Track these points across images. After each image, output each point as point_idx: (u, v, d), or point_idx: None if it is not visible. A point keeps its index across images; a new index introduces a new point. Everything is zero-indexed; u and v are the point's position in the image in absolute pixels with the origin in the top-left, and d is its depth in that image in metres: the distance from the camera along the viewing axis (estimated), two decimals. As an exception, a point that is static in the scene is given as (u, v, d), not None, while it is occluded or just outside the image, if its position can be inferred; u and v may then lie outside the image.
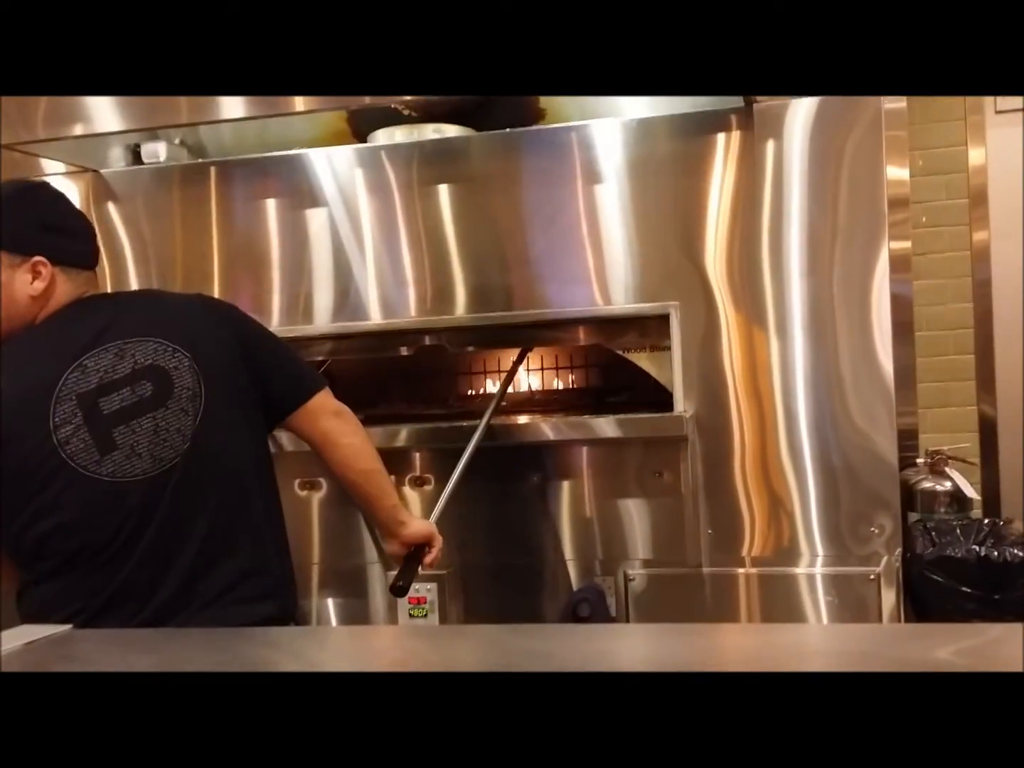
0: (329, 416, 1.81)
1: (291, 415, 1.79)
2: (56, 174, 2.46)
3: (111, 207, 2.45)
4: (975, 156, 3.10)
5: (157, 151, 2.44)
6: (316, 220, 2.36)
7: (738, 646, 0.93)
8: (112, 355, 1.64)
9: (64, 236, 1.73)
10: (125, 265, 2.44)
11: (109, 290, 2.28)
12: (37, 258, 1.67)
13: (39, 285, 1.68)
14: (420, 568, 1.87)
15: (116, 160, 2.51)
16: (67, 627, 1.01)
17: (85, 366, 1.63)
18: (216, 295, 2.35)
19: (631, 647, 0.93)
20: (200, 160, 2.48)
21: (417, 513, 2.20)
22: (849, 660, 0.80)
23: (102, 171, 2.47)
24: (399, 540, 1.88)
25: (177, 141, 2.48)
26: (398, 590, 1.83)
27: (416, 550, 1.89)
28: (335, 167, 2.35)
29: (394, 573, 1.87)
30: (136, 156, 2.49)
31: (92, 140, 2.31)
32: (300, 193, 2.36)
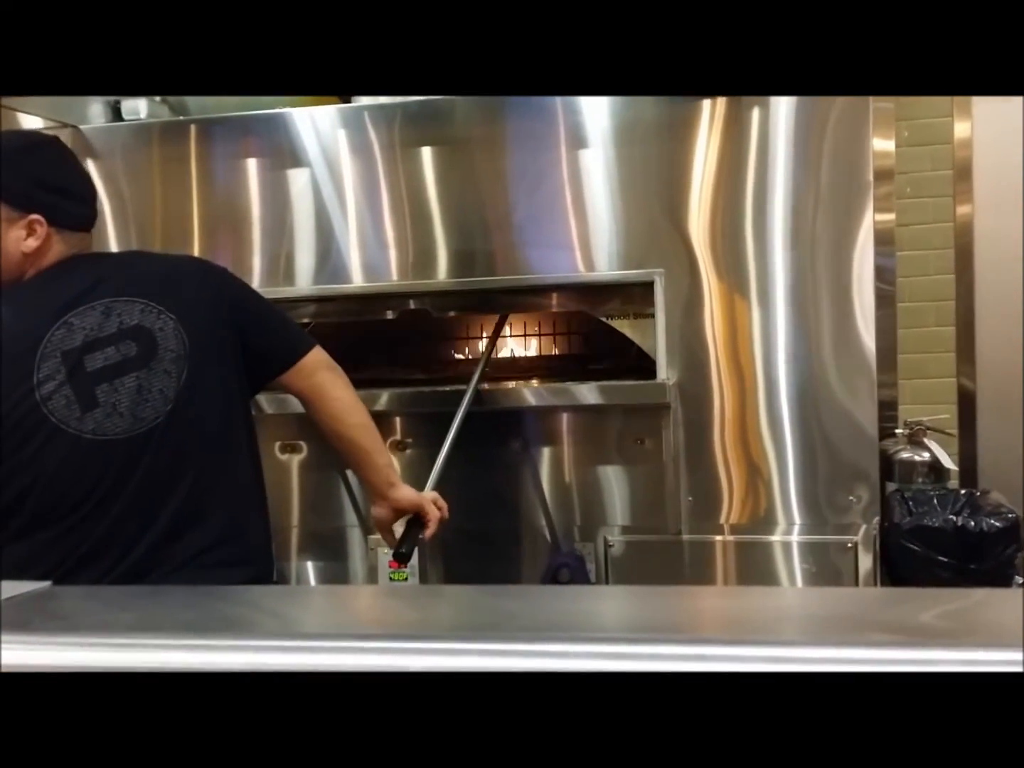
0: (323, 370, 1.81)
1: (284, 373, 1.79)
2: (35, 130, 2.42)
3: (90, 164, 2.41)
4: (961, 129, 3.10)
5: (137, 108, 2.40)
6: (298, 180, 2.33)
7: (718, 608, 0.93)
8: (98, 314, 1.64)
9: (65, 198, 1.72)
10: (104, 223, 2.40)
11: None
12: (34, 216, 1.66)
13: (32, 243, 1.67)
14: (421, 537, 1.86)
15: (96, 116, 2.47)
16: (46, 583, 1.00)
17: (71, 323, 1.63)
18: (196, 255, 2.33)
19: (609, 608, 0.93)
20: (181, 118, 2.44)
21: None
22: (830, 623, 0.80)
23: (81, 127, 2.43)
24: (388, 502, 1.87)
25: (158, 98, 2.44)
26: (401, 556, 1.82)
27: (415, 518, 1.88)
28: (318, 127, 2.32)
29: (375, 537, 1.87)
30: (116, 113, 2.45)
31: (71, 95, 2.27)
32: (282, 153, 2.34)
